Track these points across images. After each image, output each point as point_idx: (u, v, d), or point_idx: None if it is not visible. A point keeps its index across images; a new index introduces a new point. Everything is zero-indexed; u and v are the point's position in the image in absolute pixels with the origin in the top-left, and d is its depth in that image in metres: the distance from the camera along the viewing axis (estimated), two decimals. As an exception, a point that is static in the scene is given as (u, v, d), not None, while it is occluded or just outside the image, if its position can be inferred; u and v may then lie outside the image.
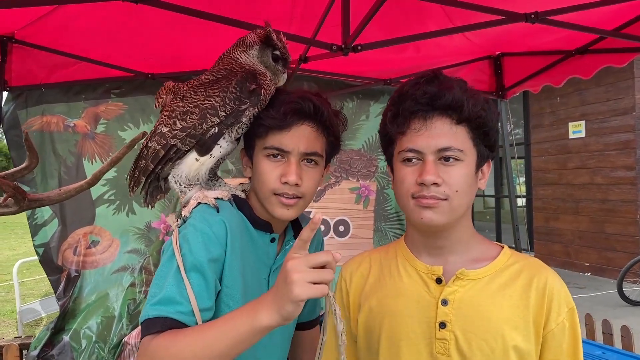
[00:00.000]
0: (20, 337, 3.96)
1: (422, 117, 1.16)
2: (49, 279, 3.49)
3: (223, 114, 1.23)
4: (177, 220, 1.26)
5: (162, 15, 2.56)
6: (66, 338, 3.29)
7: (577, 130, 9.34)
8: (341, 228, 4.05)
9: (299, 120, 1.28)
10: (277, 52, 1.34)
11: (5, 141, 3.38)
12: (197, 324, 1.12)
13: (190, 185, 1.31)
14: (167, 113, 1.29)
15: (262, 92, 1.25)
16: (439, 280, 1.20)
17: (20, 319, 3.78)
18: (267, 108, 1.28)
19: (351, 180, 4.06)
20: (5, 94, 3.18)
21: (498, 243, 1.28)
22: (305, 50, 2.82)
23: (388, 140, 1.25)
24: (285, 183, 1.26)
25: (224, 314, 1.20)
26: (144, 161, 1.30)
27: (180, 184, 1.30)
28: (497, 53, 3.64)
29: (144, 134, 1.43)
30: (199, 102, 1.24)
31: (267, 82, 1.29)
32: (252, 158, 1.33)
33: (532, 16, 2.18)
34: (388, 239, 4.12)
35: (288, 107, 1.26)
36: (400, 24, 2.72)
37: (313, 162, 1.31)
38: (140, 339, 1.11)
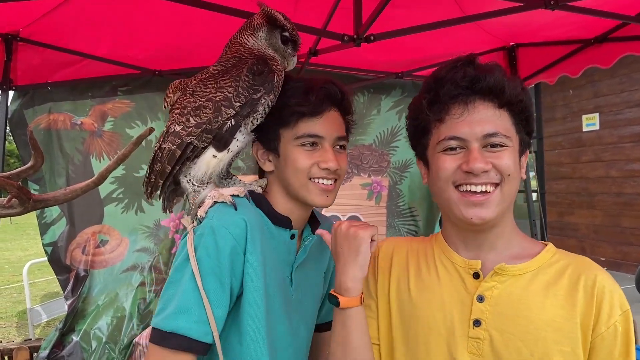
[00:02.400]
0: (31, 339, 3.93)
1: (463, 102, 1.07)
2: (57, 279, 3.46)
3: (238, 104, 1.16)
4: (193, 222, 1.20)
5: (169, 10, 2.52)
6: (76, 339, 3.26)
7: (590, 122, 9.17)
8: (353, 224, 3.97)
9: (330, 105, 1.26)
10: (287, 34, 1.28)
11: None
12: (211, 332, 1.07)
13: (204, 184, 1.24)
14: (178, 111, 1.23)
15: (275, 77, 1.19)
16: (476, 275, 1.11)
17: (31, 321, 3.76)
18: (291, 96, 1.23)
19: (363, 176, 3.99)
20: (11, 93, 3.14)
21: (542, 241, 1.19)
22: (315, 43, 2.75)
23: (422, 130, 1.15)
24: (325, 169, 1.23)
25: (246, 317, 1.15)
26: (159, 164, 1.24)
27: (193, 184, 1.24)
28: (512, 44, 3.54)
29: (151, 130, 1.36)
30: (211, 95, 1.18)
31: (278, 67, 1.23)
32: (279, 149, 1.27)
33: (552, 2, 2.09)
34: (401, 235, 4.05)
35: (320, 92, 1.23)
36: (413, 14, 2.64)
37: (342, 146, 1.30)
38: (149, 342, 1.09)
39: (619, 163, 8.72)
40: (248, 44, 1.25)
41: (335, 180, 1.27)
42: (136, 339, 3.25)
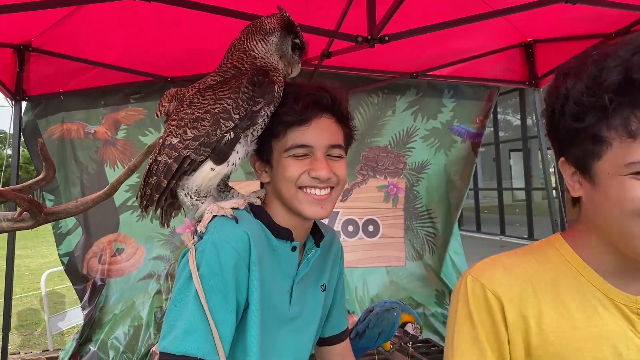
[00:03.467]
0: (49, 350, 3.93)
1: None
2: (74, 288, 3.45)
3: (237, 116, 1.10)
4: (193, 237, 1.14)
5: (181, 15, 2.49)
6: (93, 349, 3.25)
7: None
8: (370, 228, 3.92)
9: (319, 112, 1.17)
10: (297, 40, 1.22)
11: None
12: (217, 353, 1.02)
13: (202, 197, 1.19)
14: (174, 122, 1.16)
15: (276, 88, 1.13)
16: None
17: (49, 331, 3.76)
18: (279, 105, 1.16)
19: (379, 178, 3.93)
20: (24, 103, 3.14)
21: None
22: (328, 45, 2.70)
23: (590, 139, 0.83)
24: (316, 178, 1.15)
25: (249, 332, 1.10)
26: (155, 177, 1.18)
27: (191, 197, 1.18)
28: (529, 40, 3.45)
29: (162, 139, 1.30)
30: (209, 107, 1.12)
31: (279, 77, 1.16)
32: (271, 162, 1.21)
33: (573, -4, 2.02)
34: (419, 237, 3.98)
35: (306, 100, 1.15)
36: (427, 11, 2.58)
37: (337, 154, 1.20)
38: None
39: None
40: (255, 50, 1.19)
41: (332, 188, 1.19)
42: (153, 348, 3.23)
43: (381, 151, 3.92)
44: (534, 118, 4.09)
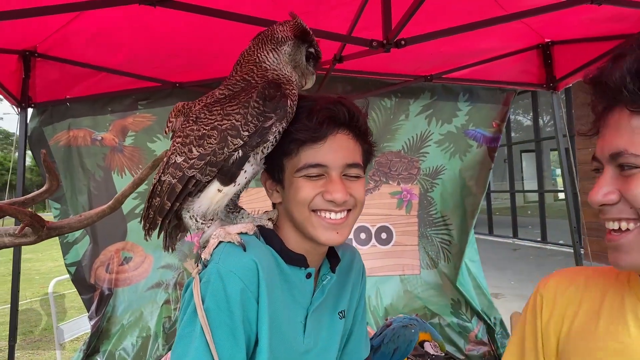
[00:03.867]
0: (55, 361, 3.87)
1: None
2: (81, 298, 3.39)
3: (246, 133, 1.01)
4: (197, 265, 1.05)
5: (187, 19, 2.42)
6: (101, 360, 3.18)
7: (625, 119, 8.85)
8: (383, 235, 3.82)
9: (334, 128, 1.07)
10: (312, 50, 1.13)
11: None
12: None
13: (208, 221, 1.09)
14: (179, 140, 1.08)
15: (289, 102, 1.04)
16: None
17: (57, 339, 3.71)
18: (292, 121, 1.07)
19: (392, 184, 3.83)
20: (30, 110, 3.08)
21: None
22: (340, 49, 2.61)
23: None
24: (331, 201, 1.05)
25: None
26: (158, 199, 1.09)
27: (196, 221, 1.09)
28: (547, 41, 3.34)
29: (167, 157, 1.21)
30: (216, 123, 1.03)
31: (293, 91, 1.06)
32: (283, 181, 1.11)
33: (599, -3, 1.91)
34: (434, 245, 3.88)
35: (321, 115, 1.05)
36: (443, 14, 2.49)
37: (355, 174, 1.10)
38: None
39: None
40: (267, 61, 1.09)
41: (349, 211, 1.09)
42: (162, 360, 3.16)
43: (394, 156, 3.82)
44: (546, 119, 3.99)
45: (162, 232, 1.15)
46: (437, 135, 3.82)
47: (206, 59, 2.97)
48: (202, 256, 1.05)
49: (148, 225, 1.12)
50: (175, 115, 1.14)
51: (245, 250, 1.02)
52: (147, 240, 1.16)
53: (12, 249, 2.84)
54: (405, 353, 2.42)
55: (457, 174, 3.86)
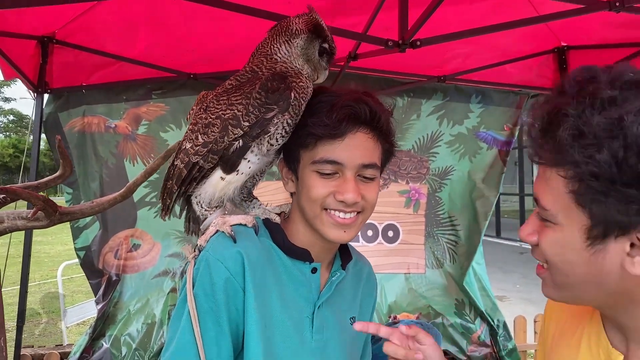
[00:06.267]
0: (62, 345, 3.93)
1: None
2: (89, 283, 3.43)
3: (247, 124, 1.03)
4: (194, 250, 1.08)
5: (204, 12, 2.44)
6: (106, 345, 3.23)
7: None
8: (390, 233, 3.83)
9: (354, 127, 1.06)
10: (326, 45, 1.13)
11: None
12: None
13: (212, 208, 1.12)
14: (190, 127, 1.12)
15: (293, 94, 1.04)
16: None
17: (65, 323, 3.77)
18: (312, 114, 1.08)
19: (400, 182, 3.84)
20: (46, 96, 3.12)
21: None
22: (356, 47, 2.62)
23: None
24: (342, 201, 1.06)
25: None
26: (170, 182, 1.14)
27: (202, 207, 1.12)
28: (563, 45, 3.32)
29: (180, 143, 1.24)
30: (220, 113, 1.05)
31: (300, 83, 1.07)
32: (297, 172, 1.13)
33: (617, 3, 1.91)
34: (440, 245, 3.88)
35: (341, 112, 1.05)
36: (458, 15, 2.49)
37: (370, 175, 1.10)
38: None
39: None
40: (279, 53, 1.10)
41: (358, 213, 1.10)
42: (166, 347, 3.20)
43: (404, 155, 3.82)
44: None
45: (185, 216, 1.19)
46: (448, 136, 3.82)
47: (222, 52, 3.00)
48: (198, 242, 1.09)
49: (164, 206, 1.17)
50: (196, 103, 1.17)
51: (235, 241, 1.05)
52: (164, 220, 1.20)
53: (23, 231, 2.90)
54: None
55: (466, 176, 3.86)
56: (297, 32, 1.11)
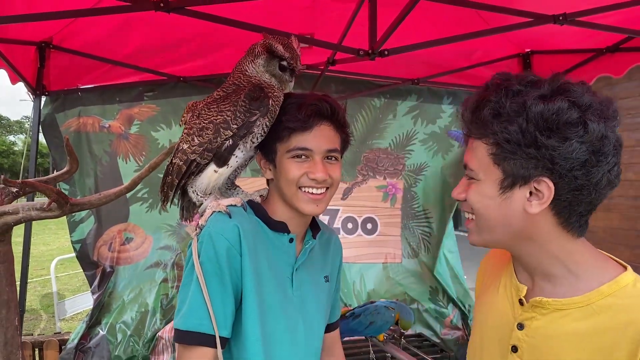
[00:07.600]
0: (60, 332, 4.11)
1: None
2: (85, 274, 3.62)
3: (235, 126, 1.30)
4: (196, 229, 1.34)
5: (194, 23, 2.63)
6: (102, 332, 3.42)
7: (609, 125, 9.09)
8: (369, 226, 4.09)
9: (319, 120, 1.35)
10: (284, 63, 1.39)
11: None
12: (223, 327, 1.24)
13: (206, 195, 1.39)
14: (186, 131, 1.38)
15: (270, 102, 1.32)
16: (521, 302, 1.08)
17: (58, 315, 3.93)
18: (285, 113, 1.35)
19: (378, 178, 4.10)
20: (44, 98, 3.31)
21: (622, 263, 1.03)
22: (333, 53, 2.86)
23: None
24: (313, 179, 1.33)
25: (244, 315, 1.29)
26: (170, 177, 1.40)
27: (197, 194, 1.39)
28: (527, 50, 3.60)
29: (177, 145, 1.52)
30: (212, 118, 1.32)
31: (275, 93, 1.35)
32: (275, 161, 1.40)
33: (561, 18, 2.18)
34: (415, 236, 4.15)
35: (309, 109, 1.33)
36: (426, 26, 2.73)
37: (334, 158, 1.38)
38: (174, 341, 1.28)
39: (636, 166, 8.65)
40: (248, 71, 1.37)
41: (327, 188, 1.37)
42: (159, 333, 3.40)
43: (382, 153, 4.07)
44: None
45: (179, 205, 1.45)
46: (422, 135, 4.08)
47: (209, 57, 3.21)
48: (199, 222, 1.34)
49: (163, 197, 1.43)
50: (187, 111, 1.44)
51: (230, 217, 1.31)
52: (164, 210, 1.45)
53: (22, 228, 3.08)
54: (379, 330, 2.69)
55: (439, 171, 4.13)
56: (258, 53, 1.38)
